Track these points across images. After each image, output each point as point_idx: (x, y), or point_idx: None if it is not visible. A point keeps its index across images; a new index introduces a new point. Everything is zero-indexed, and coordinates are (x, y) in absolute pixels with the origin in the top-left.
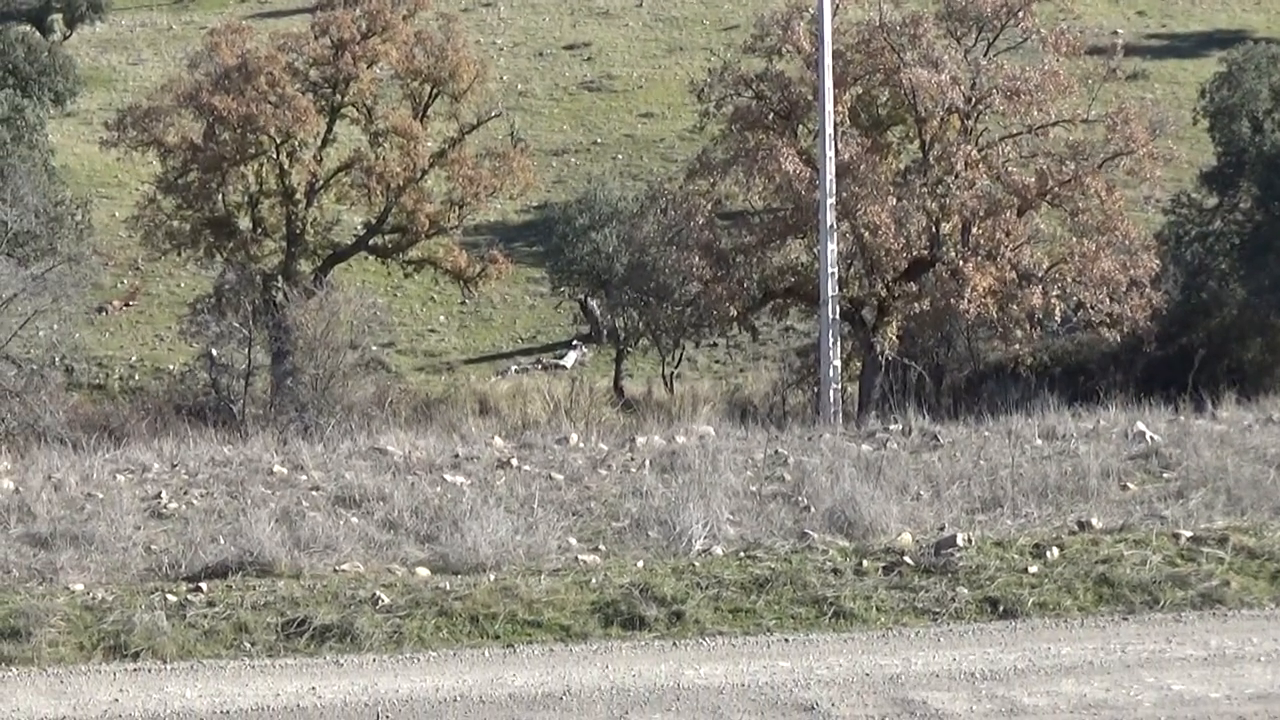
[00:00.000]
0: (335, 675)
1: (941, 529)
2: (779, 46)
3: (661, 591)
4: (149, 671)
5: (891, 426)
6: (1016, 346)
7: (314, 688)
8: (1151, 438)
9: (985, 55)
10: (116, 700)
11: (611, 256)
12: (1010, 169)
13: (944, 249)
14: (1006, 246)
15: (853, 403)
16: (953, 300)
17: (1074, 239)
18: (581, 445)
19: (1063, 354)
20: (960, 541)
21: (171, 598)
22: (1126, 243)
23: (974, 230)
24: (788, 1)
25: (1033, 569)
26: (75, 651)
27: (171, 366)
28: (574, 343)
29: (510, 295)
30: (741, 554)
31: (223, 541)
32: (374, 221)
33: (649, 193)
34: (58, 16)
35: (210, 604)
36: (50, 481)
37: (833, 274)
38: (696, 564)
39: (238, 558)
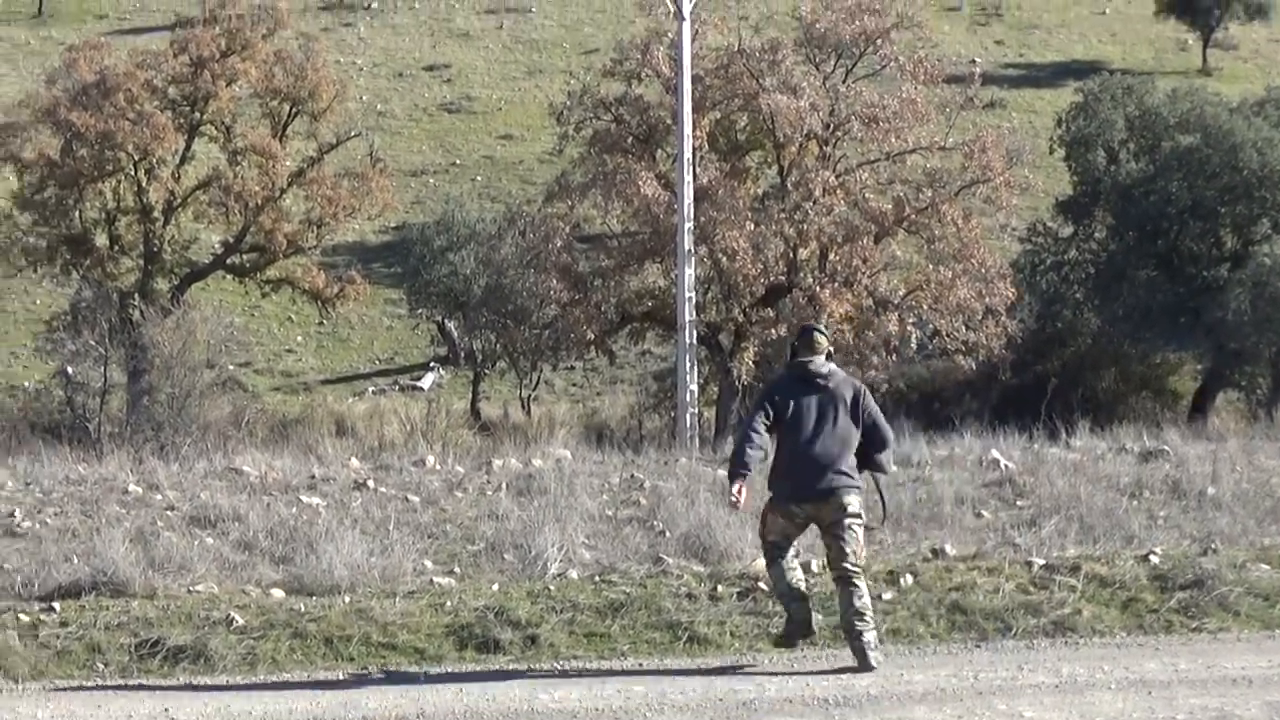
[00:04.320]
0: (189, 697)
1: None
2: (638, 71)
3: (516, 615)
4: (0, 692)
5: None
6: (873, 373)
7: (167, 709)
8: (1006, 465)
9: (844, 82)
10: None
11: (469, 278)
12: (868, 196)
13: (801, 275)
14: (863, 273)
15: (710, 428)
16: None
17: (931, 266)
18: (438, 467)
19: (919, 381)
20: (815, 567)
21: (24, 617)
22: (983, 270)
23: (831, 256)
24: (647, 26)
25: (887, 595)
26: None
27: (26, 384)
28: (431, 364)
29: (368, 316)
30: (597, 578)
31: (76, 561)
32: (232, 240)
33: (507, 215)
34: None
35: (63, 624)
36: None
37: (690, 299)
38: (552, 588)
39: (91, 577)
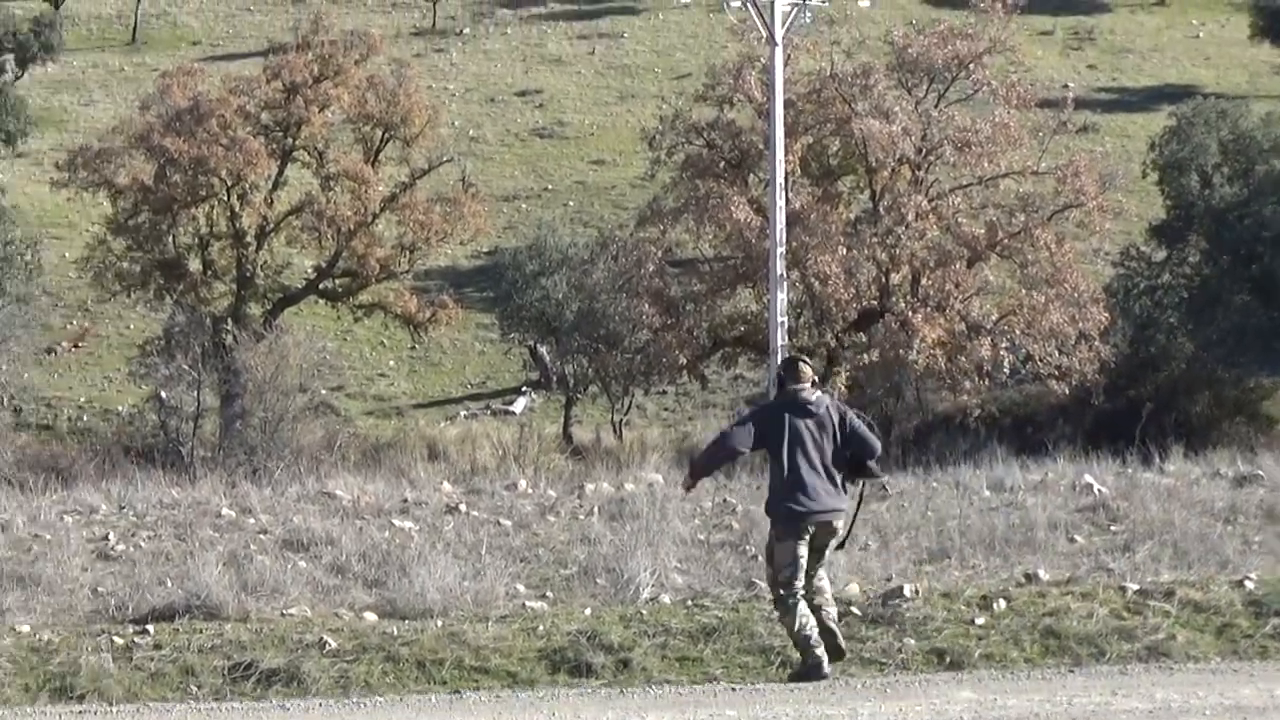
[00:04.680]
0: (281, 719)
1: (889, 579)
2: (730, 95)
3: (609, 639)
4: (95, 714)
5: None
6: (965, 398)
7: None
8: (1099, 490)
9: (936, 106)
10: None
11: (562, 303)
12: (960, 220)
13: (893, 300)
14: (956, 298)
15: None
16: (902, 351)
17: (1023, 291)
18: (530, 491)
19: (1011, 406)
20: (908, 592)
21: (118, 640)
22: (1075, 295)
23: (924, 281)
24: (739, 51)
25: (980, 620)
26: (21, 693)
27: (120, 408)
28: (523, 389)
29: (460, 340)
30: (689, 602)
31: (170, 584)
32: (324, 265)
33: (600, 239)
34: (9, 57)
35: (157, 646)
36: None
37: (782, 323)
38: (644, 612)
39: (185, 601)
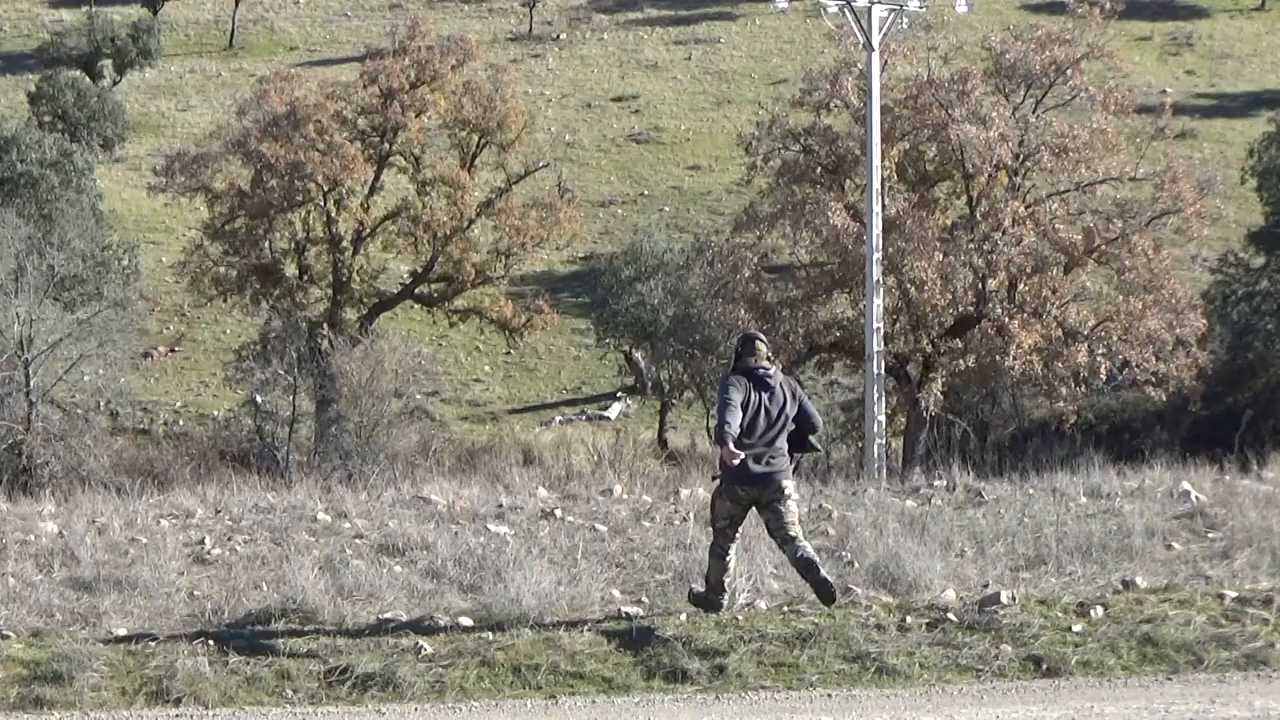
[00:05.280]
0: None
1: (985, 586)
2: (827, 101)
3: (704, 644)
4: (190, 718)
5: (936, 482)
6: (1061, 404)
7: None
8: (1197, 497)
9: (1034, 112)
10: None
11: (657, 308)
12: (1057, 226)
13: (990, 305)
14: (1053, 304)
15: (897, 458)
16: (998, 357)
17: (1120, 297)
18: (625, 497)
19: (1108, 412)
20: (1004, 599)
21: (214, 644)
22: (1173, 301)
23: (1020, 287)
24: (836, 57)
25: (1077, 627)
26: (118, 696)
27: (216, 412)
28: (618, 394)
29: (555, 346)
30: (785, 608)
31: (266, 588)
32: (420, 270)
33: (695, 245)
34: (107, 62)
35: (253, 651)
36: (94, 526)
37: (878, 329)
38: (739, 618)
39: (280, 605)
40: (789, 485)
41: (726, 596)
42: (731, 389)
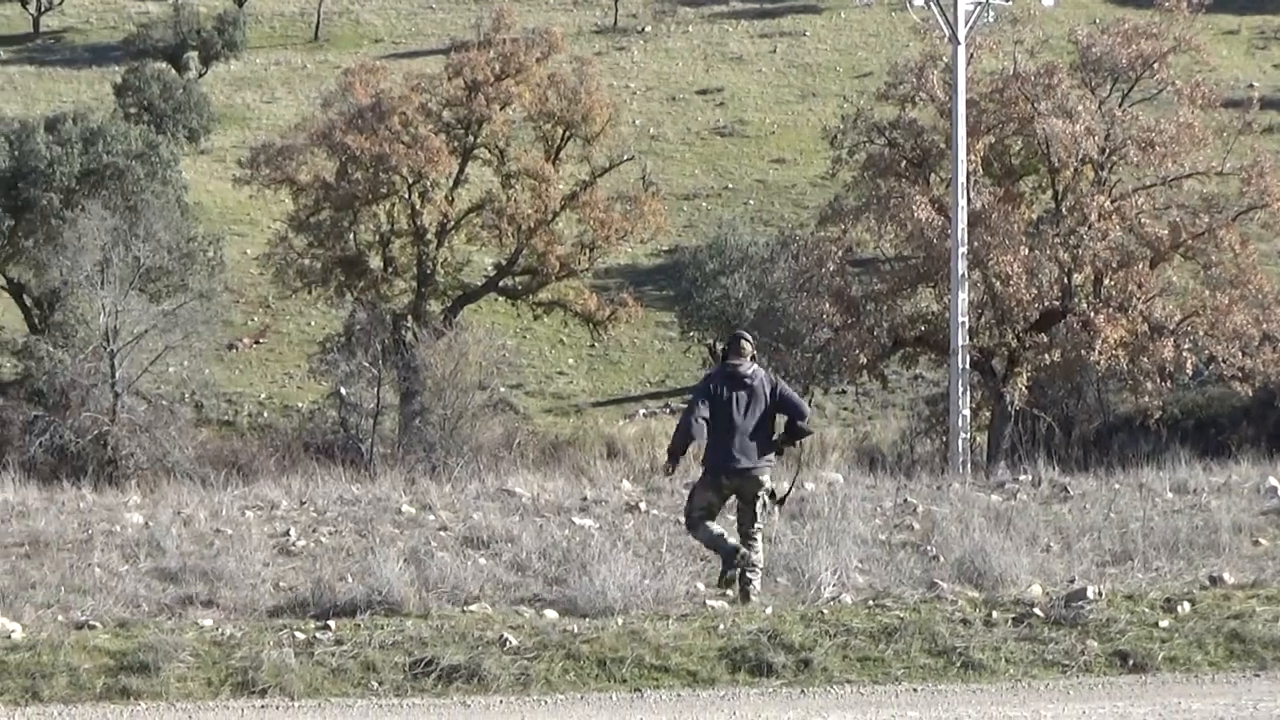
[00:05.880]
0: (462, 716)
1: (1072, 581)
2: (912, 94)
3: (790, 639)
4: (276, 709)
5: (1021, 477)
6: (1147, 399)
7: None
8: None
9: (1120, 106)
10: None
11: (741, 302)
12: (1144, 220)
13: (1076, 300)
14: (1138, 298)
15: (982, 453)
16: (1083, 351)
17: (1206, 292)
18: None
19: (1193, 407)
20: (1090, 594)
21: (300, 635)
22: (1260, 296)
23: (1106, 281)
24: (922, 50)
25: (1163, 623)
26: (203, 687)
27: (300, 404)
28: None
29: (639, 339)
30: (870, 602)
31: (351, 580)
32: (504, 263)
33: (780, 238)
34: (193, 54)
35: (338, 642)
36: (180, 517)
37: (963, 323)
38: (825, 611)
39: (366, 596)
40: (767, 480)
41: (731, 540)
42: (701, 402)
